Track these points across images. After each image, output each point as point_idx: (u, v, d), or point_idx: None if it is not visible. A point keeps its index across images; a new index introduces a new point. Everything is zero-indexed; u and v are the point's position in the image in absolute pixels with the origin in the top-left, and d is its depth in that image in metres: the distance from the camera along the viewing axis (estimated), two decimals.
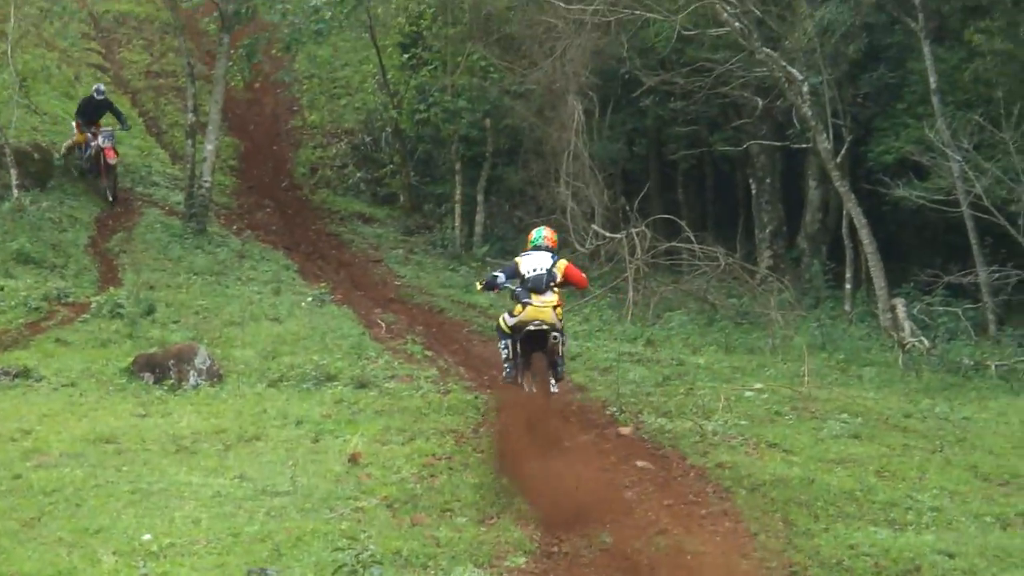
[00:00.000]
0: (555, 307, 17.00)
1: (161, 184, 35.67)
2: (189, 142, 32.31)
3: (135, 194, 34.02)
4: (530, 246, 17.70)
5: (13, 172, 29.80)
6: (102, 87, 33.16)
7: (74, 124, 32.66)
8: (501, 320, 17.48)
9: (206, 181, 31.43)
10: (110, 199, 32.07)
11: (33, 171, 31.73)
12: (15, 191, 29.61)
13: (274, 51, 38.63)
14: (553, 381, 17.34)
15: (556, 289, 17.14)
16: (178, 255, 29.08)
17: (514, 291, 17.24)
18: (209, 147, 31.71)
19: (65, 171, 33.52)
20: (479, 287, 18.11)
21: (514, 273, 17.30)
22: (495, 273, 17.79)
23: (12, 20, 28.79)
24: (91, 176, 32.51)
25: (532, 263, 17.20)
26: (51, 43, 39.54)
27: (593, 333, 25.21)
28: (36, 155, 32.43)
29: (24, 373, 18.04)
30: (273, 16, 34.04)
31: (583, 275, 18.19)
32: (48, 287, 24.34)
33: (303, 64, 43.01)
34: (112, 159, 31.67)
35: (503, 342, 17.42)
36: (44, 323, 22.10)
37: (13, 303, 22.93)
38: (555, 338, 17.15)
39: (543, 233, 17.87)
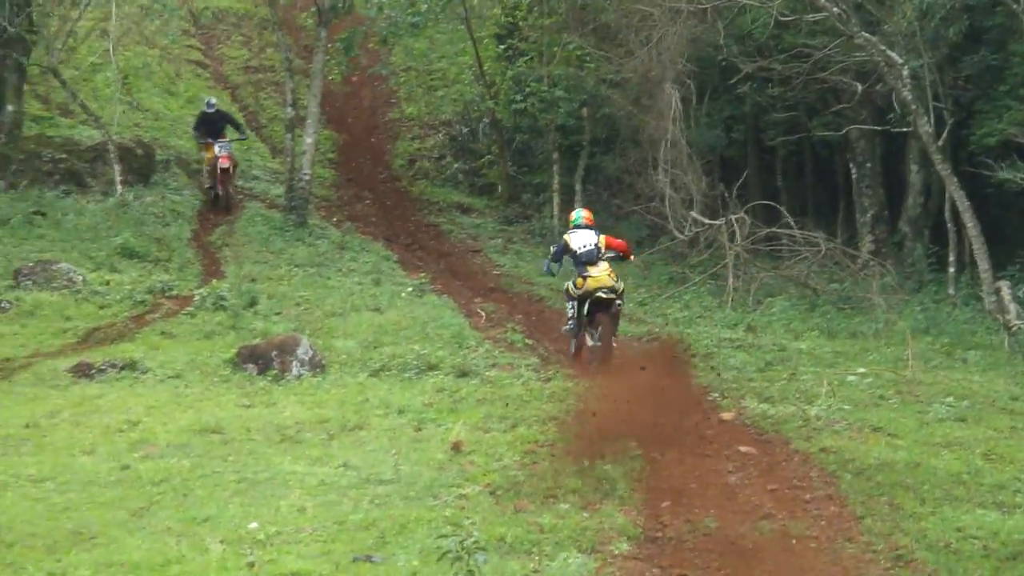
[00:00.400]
0: (609, 273, 19.85)
1: (262, 178, 36.06)
2: (288, 136, 32.57)
3: (236, 188, 34.35)
4: (572, 226, 20.73)
5: (117, 168, 30.24)
6: (213, 100, 33.00)
7: (201, 147, 32.68)
8: (568, 286, 20.38)
9: (306, 174, 31.67)
10: (224, 207, 32.04)
11: (136, 167, 32.18)
12: (119, 187, 30.06)
13: (371, 45, 38.87)
14: (613, 340, 20.02)
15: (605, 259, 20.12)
16: (279, 247, 29.35)
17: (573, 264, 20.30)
18: (308, 140, 31.93)
19: (166, 166, 33.93)
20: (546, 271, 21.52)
21: (565, 249, 20.30)
22: (548, 265, 21.11)
23: (113, 19, 29.17)
24: (212, 191, 32.36)
25: (580, 240, 20.14)
26: (152, 41, 40.02)
27: (694, 319, 25.15)
28: (139, 151, 32.85)
29: (130, 365, 18.21)
30: (369, 10, 34.36)
31: (622, 241, 21.30)
32: (152, 280, 24.65)
33: (400, 57, 43.24)
34: (226, 163, 31.61)
35: (570, 303, 20.37)
36: (149, 316, 22.36)
37: (119, 297, 23.22)
38: (618, 304, 20.08)
39: (582, 214, 21.02)
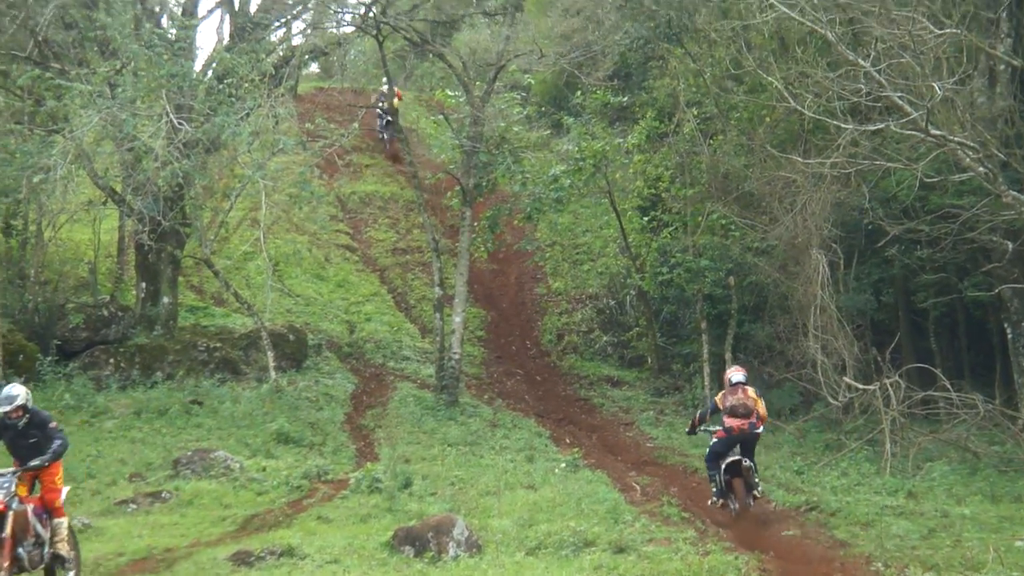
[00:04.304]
0: None
1: (412, 358, 36.38)
2: (437, 315, 32.92)
3: (387, 369, 34.75)
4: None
5: (270, 354, 30.75)
6: (15, 391, 17.07)
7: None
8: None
9: (455, 353, 31.93)
10: None
11: (288, 352, 32.72)
12: (272, 373, 30.52)
13: (516, 221, 39.30)
14: None
15: None
16: (431, 427, 29.55)
17: None
18: (457, 319, 32.28)
19: (318, 350, 34.40)
20: None
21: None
22: None
23: (263, 208, 29.73)
24: None
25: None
26: (301, 227, 40.86)
27: (852, 487, 24.71)
28: (291, 336, 33.39)
29: (289, 552, 18.35)
30: (513, 186, 34.72)
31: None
32: (308, 465, 24.91)
33: (545, 232, 43.65)
34: None
35: None
36: (306, 501, 22.57)
37: (275, 483, 23.51)
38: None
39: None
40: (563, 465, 26.17)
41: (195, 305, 36.15)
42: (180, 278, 34.34)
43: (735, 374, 22.56)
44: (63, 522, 17.35)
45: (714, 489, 22.12)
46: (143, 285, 32.43)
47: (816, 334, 29.47)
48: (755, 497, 21.83)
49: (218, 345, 31.94)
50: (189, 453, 24.87)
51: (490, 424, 30.61)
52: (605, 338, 39.72)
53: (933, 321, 34.77)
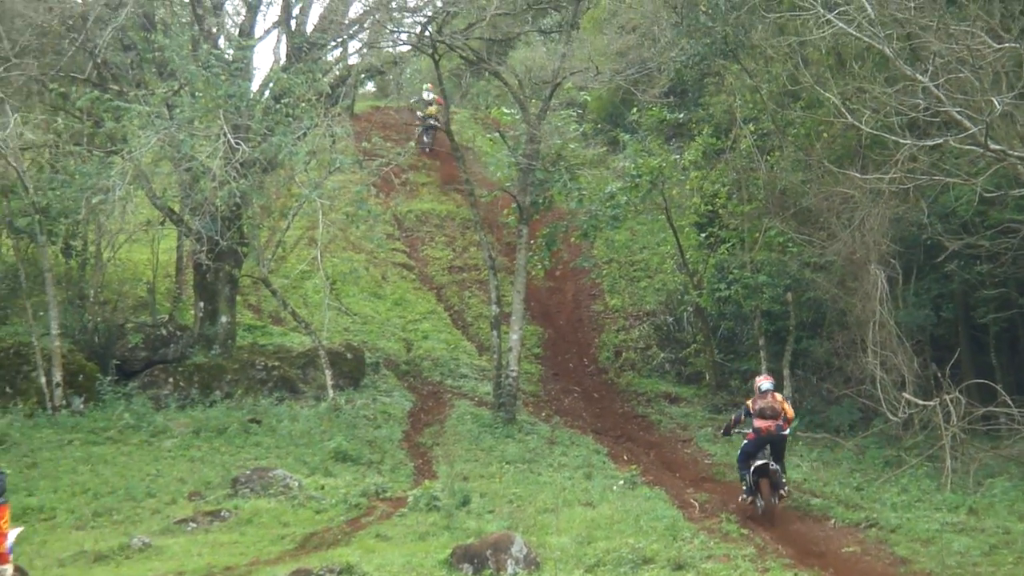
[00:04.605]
0: None
1: (470, 376, 36.39)
2: (494, 333, 32.93)
3: (445, 387, 34.76)
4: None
5: (328, 373, 30.81)
6: None
7: None
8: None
9: (513, 370, 31.92)
10: None
11: (346, 371, 32.80)
12: (330, 391, 30.60)
13: (572, 239, 39.28)
14: None
15: None
16: (489, 445, 29.55)
17: None
18: (514, 337, 32.26)
19: (375, 369, 34.46)
20: None
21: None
22: None
23: (320, 227, 29.80)
24: None
25: None
26: (358, 246, 40.99)
27: (912, 504, 24.55)
28: (348, 355, 33.47)
29: (347, 570, 18.31)
30: (570, 204, 34.69)
31: None
32: (366, 483, 24.94)
33: (601, 249, 43.59)
34: None
35: None
36: (364, 519, 22.58)
37: (334, 501, 23.53)
38: None
39: None
40: (621, 482, 26.13)
41: (253, 324, 36.31)
42: (238, 297, 34.47)
43: (763, 382, 24.52)
44: (6, 570, 16.20)
45: (743, 487, 24.21)
46: (201, 304, 32.61)
47: (875, 350, 29.29)
48: (780, 496, 23.82)
49: (276, 364, 32.07)
50: (248, 472, 24.93)
51: (548, 441, 30.57)
52: (663, 355, 39.58)
53: (994, 336, 34.45)
